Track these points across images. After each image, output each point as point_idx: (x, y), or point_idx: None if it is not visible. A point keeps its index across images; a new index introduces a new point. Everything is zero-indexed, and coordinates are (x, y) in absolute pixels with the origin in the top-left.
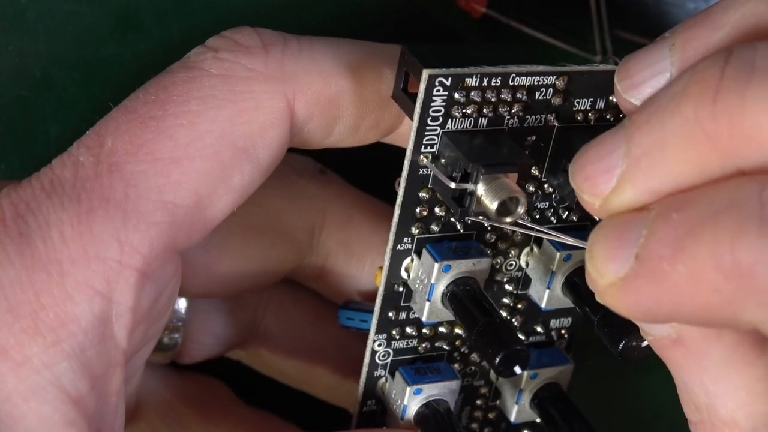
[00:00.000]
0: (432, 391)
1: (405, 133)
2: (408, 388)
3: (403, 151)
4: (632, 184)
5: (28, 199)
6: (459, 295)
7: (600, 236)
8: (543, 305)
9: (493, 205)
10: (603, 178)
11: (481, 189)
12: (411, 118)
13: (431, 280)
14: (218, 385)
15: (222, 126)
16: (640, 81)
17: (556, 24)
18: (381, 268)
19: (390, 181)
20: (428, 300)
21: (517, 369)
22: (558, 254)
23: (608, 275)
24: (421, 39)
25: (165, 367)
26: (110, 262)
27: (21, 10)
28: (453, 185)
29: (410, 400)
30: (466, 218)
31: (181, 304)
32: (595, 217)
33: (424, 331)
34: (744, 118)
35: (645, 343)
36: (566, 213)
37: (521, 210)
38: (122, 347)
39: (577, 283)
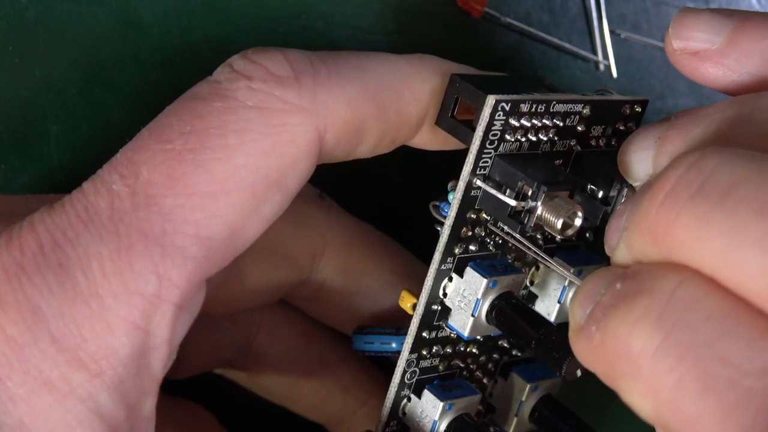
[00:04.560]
0: (460, 405)
1: (417, 143)
2: (441, 404)
3: (397, 173)
4: (620, 247)
5: (65, 228)
6: (507, 309)
7: (585, 282)
8: (552, 319)
9: (559, 221)
10: (614, 236)
11: (541, 207)
12: (464, 141)
13: (478, 296)
14: (205, 414)
15: (257, 160)
16: (629, 161)
17: (556, 24)
18: (407, 290)
19: (383, 208)
20: (473, 316)
21: (578, 372)
22: (571, 269)
23: (574, 319)
24: (421, 38)
25: None
26: (149, 296)
27: (21, 10)
28: (514, 203)
29: (442, 416)
30: (511, 236)
31: None
32: None
33: (447, 350)
34: (674, 229)
35: None
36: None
37: (578, 223)
38: (156, 377)
39: None
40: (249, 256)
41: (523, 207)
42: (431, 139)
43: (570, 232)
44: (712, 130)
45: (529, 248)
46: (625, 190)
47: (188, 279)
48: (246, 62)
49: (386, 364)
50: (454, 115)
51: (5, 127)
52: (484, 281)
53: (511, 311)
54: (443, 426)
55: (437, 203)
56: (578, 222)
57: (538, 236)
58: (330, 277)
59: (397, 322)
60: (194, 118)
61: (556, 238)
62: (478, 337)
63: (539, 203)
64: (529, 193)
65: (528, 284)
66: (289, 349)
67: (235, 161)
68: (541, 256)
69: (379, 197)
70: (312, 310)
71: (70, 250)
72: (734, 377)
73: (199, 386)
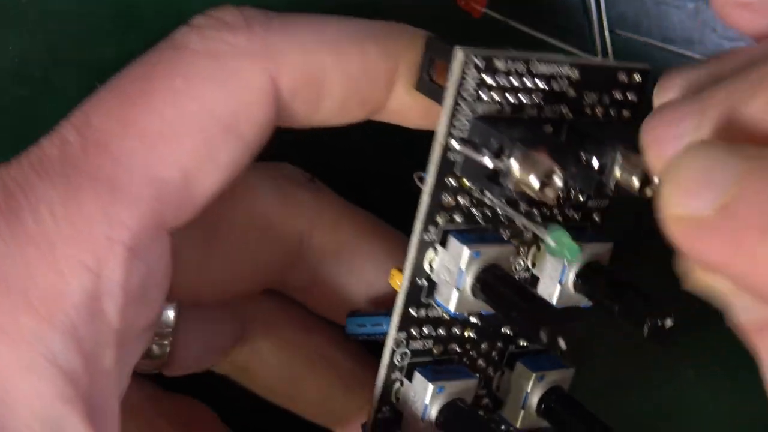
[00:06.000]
0: (453, 389)
1: (395, 110)
2: (430, 386)
3: (397, 161)
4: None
5: (17, 177)
6: (490, 280)
7: (690, 160)
8: (554, 302)
9: (533, 179)
10: (671, 144)
11: (517, 166)
12: (440, 104)
13: (461, 266)
14: (204, 409)
15: (206, 103)
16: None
17: (556, 24)
18: (397, 268)
19: (378, 192)
20: (457, 288)
21: (562, 343)
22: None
23: (681, 208)
24: None
25: (150, 384)
26: (99, 238)
27: (21, 10)
28: (490, 164)
29: (432, 399)
30: (492, 207)
31: (170, 311)
32: None
33: (440, 331)
34: None
35: (669, 324)
36: (571, 211)
37: (558, 182)
38: (114, 326)
39: (590, 277)
40: (231, 235)
41: (501, 168)
42: (410, 106)
43: (550, 193)
44: None
45: (504, 207)
46: (619, 156)
47: (139, 221)
48: (201, 17)
49: None
50: (433, 79)
51: (5, 127)
52: (466, 250)
53: (495, 282)
54: (434, 410)
55: (422, 174)
56: (558, 181)
57: (535, 212)
58: (321, 259)
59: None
60: (145, 66)
61: (554, 211)
62: (474, 320)
63: (514, 161)
64: (506, 154)
65: (530, 267)
66: (287, 342)
67: (183, 104)
68: (511, 213)
69: (377, 188)
70: (309, 302)
71: (21, 197)
72: None
73: (202, 387)
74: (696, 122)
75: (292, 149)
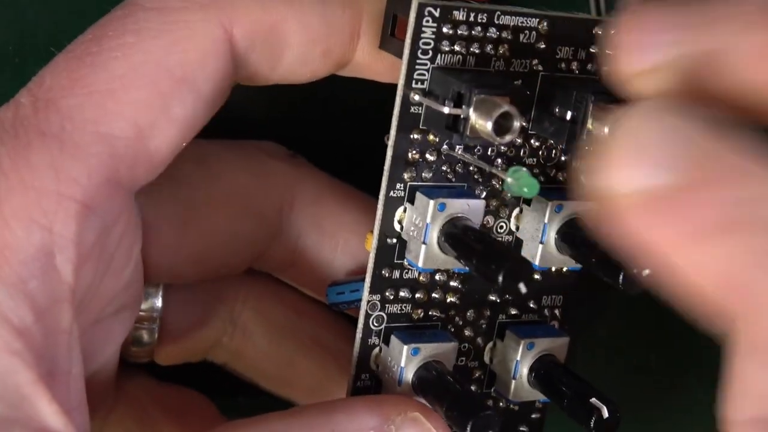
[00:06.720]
0: (429, 351)
1: (363, 63)
2: (405, 348)
3: (372, 130)
4: (678, 77)
5: None
6: (455, 232)
7: (646, 126)
8: (537, 262)
9: (488, 123)
10: (648, 52)
11: (474, 112)
12: (401, 57)
13: (426, 220)
14: (200, 398)
15: (157, 56)
16: None
17: None
18: (371, 232)
19: (360, 168)
20: (424, 243)
21: (522, 287)
22: (549, 204)
23: (628, 181)
24: None
25: (144, 374)
26: (48, 192)
27: (21, 10)
28: (447, 110)
29: (408, 362)
30: (458, 158)
31: (157, 299)
32: None
33: (418, 295)
34: None
35: (646, 272)
36: (554, 171)
37: (517, 124)
38: (68, 282)
39: (571, 233)
40: (208, 207)
41: (459, 115)
42: (378, 58)
43: (509, 137)
44: None
45: (464, 156)
46: (591, 106)
47: (90, 175)
48: None
49: None
50: (396, 35)
51: None
52: (431, 203)
53: (459, 232)
54: (410, 374)
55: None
56: (516, 124)
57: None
58: (303, 233)
59: None
60: (96, 28)
61: (535, 171)
62: (455, 284)
63: (471, 108)
64: (465, 101)
65: (514, 230)
66: (279, 325)
67: (134, 58)
68: (469, 158)
69: (357, 159)
70: (295, 278)
71: None
72: None
73: (199, 377)
74: (680, 37)
75: (275, 130)
